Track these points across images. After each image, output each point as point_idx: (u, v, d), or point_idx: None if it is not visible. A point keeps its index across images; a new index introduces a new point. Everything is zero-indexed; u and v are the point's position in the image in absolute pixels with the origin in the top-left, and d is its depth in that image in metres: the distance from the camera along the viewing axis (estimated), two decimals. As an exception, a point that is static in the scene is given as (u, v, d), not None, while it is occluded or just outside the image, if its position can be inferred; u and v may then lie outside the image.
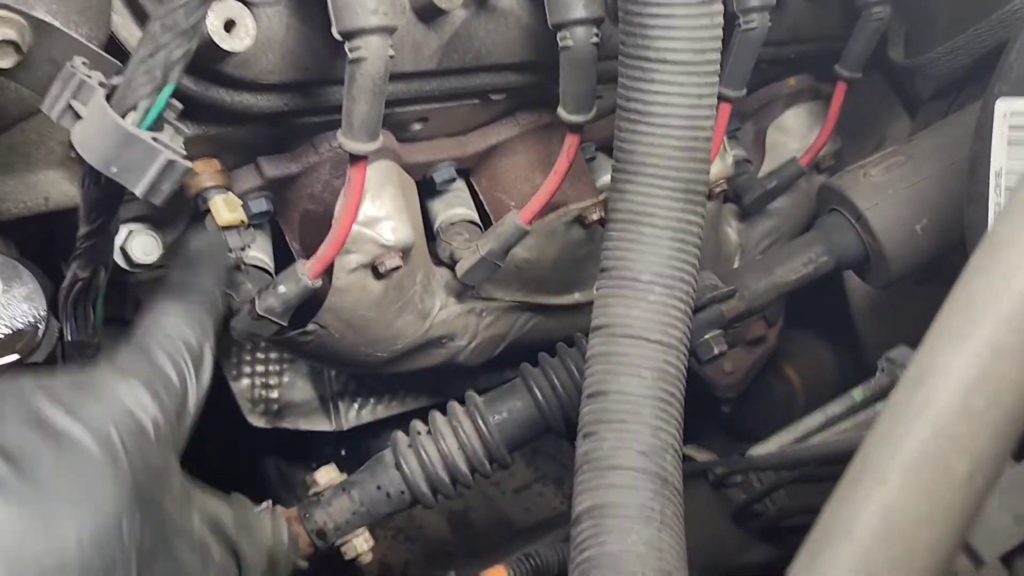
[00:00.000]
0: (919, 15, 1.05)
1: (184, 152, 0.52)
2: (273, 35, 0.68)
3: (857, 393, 0.80)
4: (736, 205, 1.15)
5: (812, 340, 1.38)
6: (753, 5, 0.86)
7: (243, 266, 0.77)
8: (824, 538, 0.31)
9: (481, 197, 0.93)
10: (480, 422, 0.77)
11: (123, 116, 0.50)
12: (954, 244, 0.88)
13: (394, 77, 0.70)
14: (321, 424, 1.08)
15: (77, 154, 0.52)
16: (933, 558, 0.30)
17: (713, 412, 1.33)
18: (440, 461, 0.76)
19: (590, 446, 0.61)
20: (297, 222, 0.83)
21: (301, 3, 0.68)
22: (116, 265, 0.74)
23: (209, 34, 0.62)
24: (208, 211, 0.73)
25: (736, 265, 1.15)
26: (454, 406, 0.80)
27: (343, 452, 1.15)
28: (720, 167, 1.04)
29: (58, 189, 0.72)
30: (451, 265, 0.89)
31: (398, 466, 0.76)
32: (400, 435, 0.78)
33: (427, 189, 0.90)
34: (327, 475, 0.80)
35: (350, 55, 0.64)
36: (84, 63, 0.54)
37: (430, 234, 0.91)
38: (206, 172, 0.75)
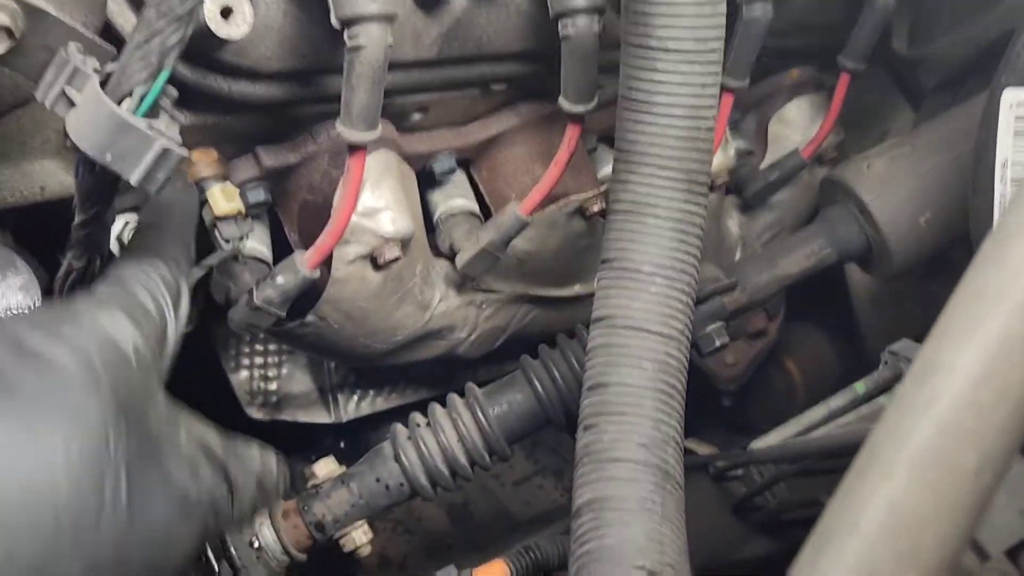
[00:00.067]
0: (924, 5, 1.04)
1: (180, 140, 0.52)
2: (271, 22, 0.67)
3: (860, 386, 0.80)
4: (737, 197, 1.14)
5: (813, 334, 1.38)
6: (756, -7, 0.85)
7: (241, 257, 0.76)
8: (829, 533, 0.31)
9: (481, 188, 0.93)
10: (480, 414, 0.77)
11: (118, 103, 0.50)
12: (958, 237, 0.87)
13: (393, 66, 0.69)
14: (320, 416, 1.08)
15: (72, 142, 0.51)
16: (940, 554, 0.29)
17: (713, 405, 1.33)
18: (439, 453, 0.76)
19: (590, 438, 0.61)
20: (296, 212, 0.82)
21: (299, -10, 0.67)
22: (112, 255, 0.74)
23: (205, 21, 0.61)
24: (205, 201, 0.73)
25: (737, 258, 1.14)
26: (453, 398, 0.79)
27: (342, 445, 1.14)
28: (722, 159, 1.03)
29: (54, 179, 0.71)
30: (451, 257, 0.89)
31: (397, 458, 0.76)
32: (399, 427, 0.78)
33: (427, 180, 0.89)
34: (326, 467, 0.80)
35: (349, 43, 0.63)
36: (79, 49, 0.53)
37: (429, 225, 0.90)
38: (203, 161, 0.74)
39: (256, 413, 1.04)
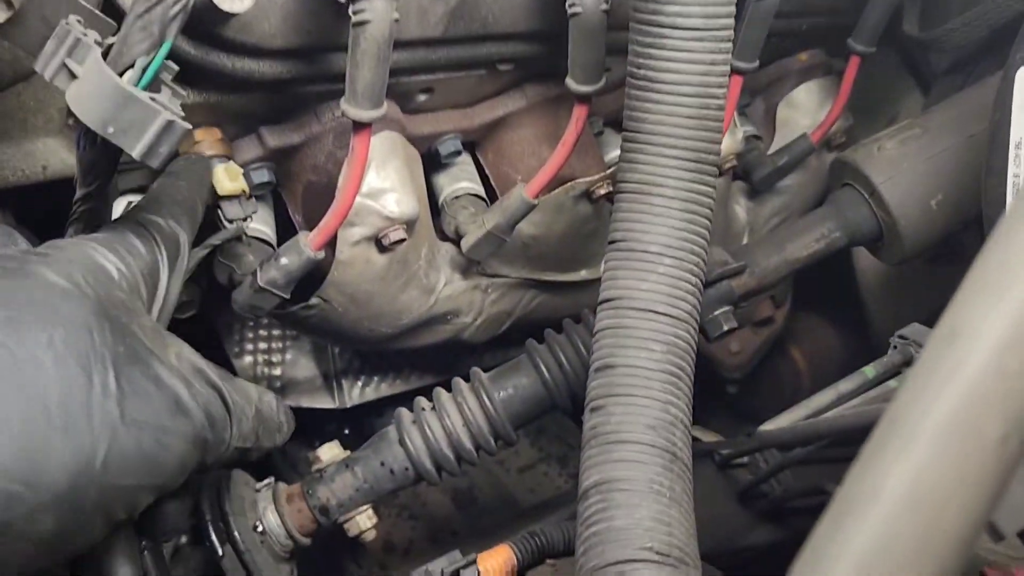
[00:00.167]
0: (935, -14, 1.03)
1: (183, 114, 0.51)
2: (275, -2, 0.66)
3: (869, 370, 0.79)
4: (745, 183, 1.13)
5: (819, 322, 1.37)
6: (766, -26, 0.84)
7: (244, 237, 0.76)
8: (850, 503, 0.30)
9: (487, 171, 0.92)
10: (485, 398, 0.76)
11: (120, 75, 0.49)
12: (970, 220, 0.87)
13: (399, 45, 0.68)
14: (324, 402, 1.07)
15: (75, 118, 0.50)
16: (963, 524, 0.28)
17: (719, 393, 1.32)
18: (444, 438, 0.75)
19: (598, 420, 0.60)
20: (300, 193, 0.81)
21: (304, -35, 0.66)
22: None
23: (209, -5, 0.60)
24: (209, 181, 0.72)
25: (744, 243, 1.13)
26: (459, 382, 0.78)
27: (346, 431, 1.14)
28: (730, 143, 1.02)
29: (57, 157, 0.71)
30: (456, 240, 0.88)
31: (402, 442, 0.75)
32: (404, 411, 0.77)
33: (432, 162, 0.88)
34: (330, 452, 0.79)
35: (354, 18, 0.62)
36: (79, 21, 0.52)
37: (435, 208, 0.89)
38: (207, 141, 0.73)
39: (260, 398, 1.03)
